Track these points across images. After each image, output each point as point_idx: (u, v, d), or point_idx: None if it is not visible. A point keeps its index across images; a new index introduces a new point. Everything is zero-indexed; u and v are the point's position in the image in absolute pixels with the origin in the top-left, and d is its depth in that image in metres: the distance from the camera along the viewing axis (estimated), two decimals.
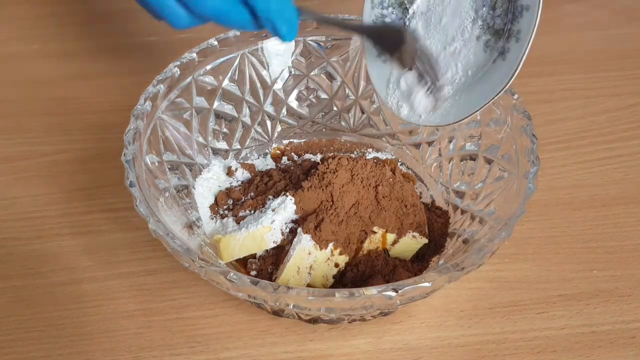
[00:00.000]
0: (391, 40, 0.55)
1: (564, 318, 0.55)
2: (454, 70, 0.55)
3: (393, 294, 0.44)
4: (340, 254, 0.54)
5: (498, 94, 0.52)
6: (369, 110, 0.67)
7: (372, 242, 0.55)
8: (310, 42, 0.65)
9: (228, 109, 0.65)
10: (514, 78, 0.51)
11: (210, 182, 0.62)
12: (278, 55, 0.65)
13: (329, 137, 0.69)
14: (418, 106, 0.57)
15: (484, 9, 0.53)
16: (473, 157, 0.59)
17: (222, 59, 0.63)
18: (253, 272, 0.55)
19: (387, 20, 0.58)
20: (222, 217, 0.59)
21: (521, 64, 0.50)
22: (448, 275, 0.46)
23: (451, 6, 0.55)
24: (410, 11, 0.57)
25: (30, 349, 0.54)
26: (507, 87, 0.51)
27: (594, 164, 0.67)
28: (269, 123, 0.67)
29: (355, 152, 0.67)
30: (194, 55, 0.61)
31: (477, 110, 0.53)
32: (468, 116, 0.54)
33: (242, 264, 0.56)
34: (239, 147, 0.66)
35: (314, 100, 0.68)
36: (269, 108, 0.67)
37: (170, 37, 0.81)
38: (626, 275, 0.58)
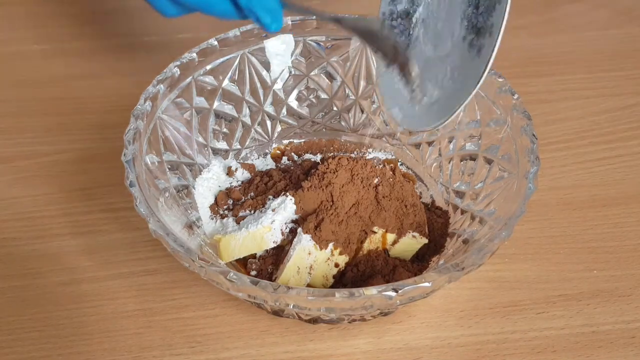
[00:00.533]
0: (367, 32, 0.53)
1: (564, 318, 0.55)
2: (444, 73, 0.54)
3: (393, 294, 0.44)
4: (340, 254, 0.54)
5: (474, 90, 0.51)
6: (369, 110, 0.67)
7: (372, 242, 0.55)
8: (310, 42, 0.65)
9: (228, 109, 0.64)
10: (486, 73, 0.49)
11: (210, 182, 0.62)
12: (278, 55, 0.65)
13: (329, 137, 0.69)
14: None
15: (469, 8, 0.53)
16: (473, 157, 0.59)
17: (222, 59, 0.63)
18: (253, 272, 0.55)
19: (396, 31, 0.58)
20: (222, 217, 0.59)
21: (492, 58, 0.49)
22: (448, 275, 0.46)
23: (445, 10, 0.54)
24: (414, 19, 0.57)
25: (30, 349, 0.54)
26: (481, 82, 0.50)
27: (594, 164, 0.67)
28: (269, 123, 0.67)
29: (355, 152, 0.67)
30: (194, 55, 0.61)
31: (456, 111, 0.52)
32: (450, 116, 0.53)
33: (242, 264, 0.56)
34: (239, 147, 0.66)
35: (314, 100, 0.68)
36: (269, 108, 0.66)
37: (170, 37, 0.81)
38: (626, 275, 0.58)
